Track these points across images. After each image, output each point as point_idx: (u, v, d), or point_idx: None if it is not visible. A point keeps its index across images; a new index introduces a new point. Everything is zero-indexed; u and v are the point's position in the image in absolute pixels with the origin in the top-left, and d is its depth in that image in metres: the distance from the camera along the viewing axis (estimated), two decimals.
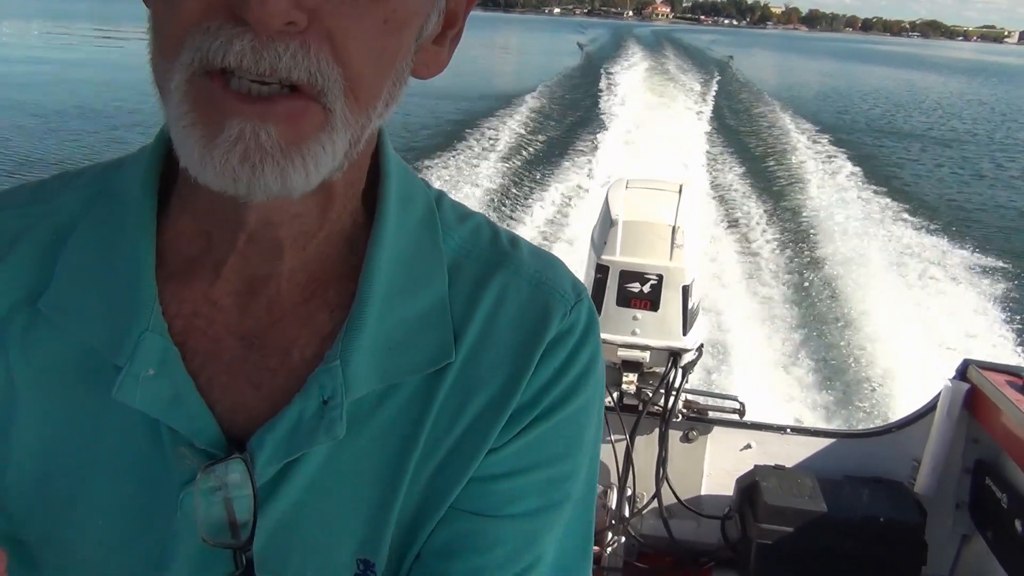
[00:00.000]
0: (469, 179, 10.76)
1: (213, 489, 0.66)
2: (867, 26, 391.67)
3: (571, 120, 17.00)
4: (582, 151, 13.39)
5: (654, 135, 14.57)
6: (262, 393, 0.68)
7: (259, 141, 0.56)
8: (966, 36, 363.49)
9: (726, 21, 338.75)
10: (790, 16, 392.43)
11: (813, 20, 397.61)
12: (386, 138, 0.73)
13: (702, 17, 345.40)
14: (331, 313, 0.70)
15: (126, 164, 0.74)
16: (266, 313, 0.69)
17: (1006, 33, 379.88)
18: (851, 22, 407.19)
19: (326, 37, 0.56)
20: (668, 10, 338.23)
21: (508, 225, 8.68)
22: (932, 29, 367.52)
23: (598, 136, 14.45)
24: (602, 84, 22.18)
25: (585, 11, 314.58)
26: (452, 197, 0.81)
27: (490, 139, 13.78)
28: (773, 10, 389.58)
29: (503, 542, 0.70)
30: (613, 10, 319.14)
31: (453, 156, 12.19)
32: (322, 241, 0.70)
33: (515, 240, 0.78)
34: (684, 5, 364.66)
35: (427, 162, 11.50)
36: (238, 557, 0.67)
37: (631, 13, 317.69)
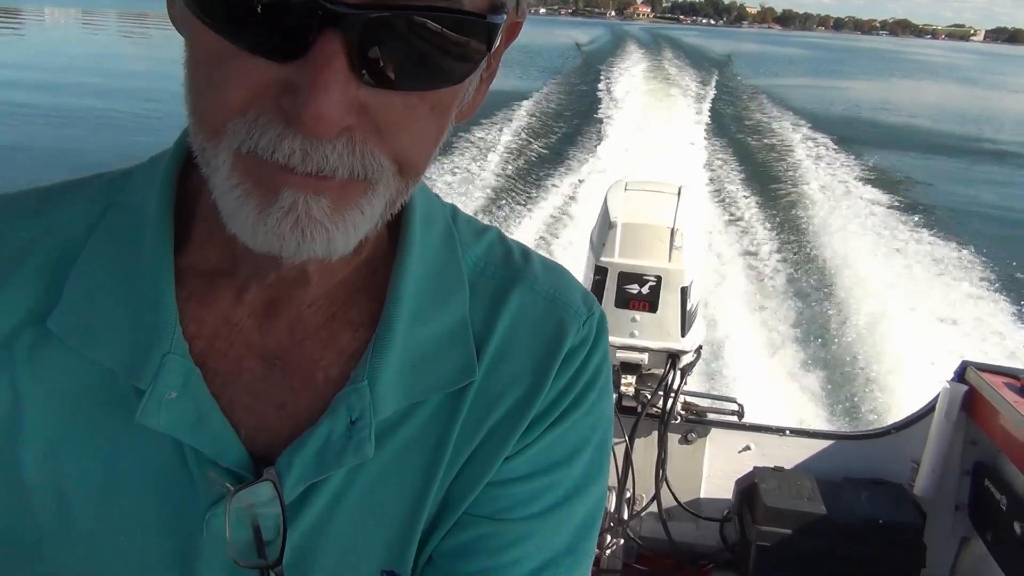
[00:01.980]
0: (468, 181, 10.58)
1: (241, 511, 0.65)
2: (839, 25, 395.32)
3: (570, 121, 16.79)
4: (581, 152, 13.25)
5: (653, 136, 14.47)
6: (286, 413, 0.67)
7: (311, 212, 0.55)
8: (934, 35, 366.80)
9: (704, 20, 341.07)
10: (765, 16, 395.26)
11: (787, 19, 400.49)
12: None
13: (681, 17, 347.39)
14: (355, 332, 0.69)
15: (136, 176, 0.71)
16: (288, 334, 0.68)
17: (972, 32, 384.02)
18: (823, 21, 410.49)
19: (374, 131, 0.55)
20: (648, 10, 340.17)
21: (507, 226, 8.59)
22: (902, 28, 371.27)
23: (597, 137, 14.32)
24: (601, 86, 21.95)
25: (570, 11, 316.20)
26: (460, 206, 0.79)
27: (490, 140, 13.59)
28: (749, 10, 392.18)
29: (515, 544, 0.70)
30: (596, 10, 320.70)
31: (453, 156, 12.03)
32: (345, 267, 0.69)
33: (527, 254, 0.78)
34: (664, 5, 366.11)
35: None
36: (266, 575, 0.67)
37: (613, 13, 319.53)
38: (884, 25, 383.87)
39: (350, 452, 0.66)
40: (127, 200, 0.70)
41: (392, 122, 0.56)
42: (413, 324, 0.69)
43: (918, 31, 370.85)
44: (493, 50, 0.58)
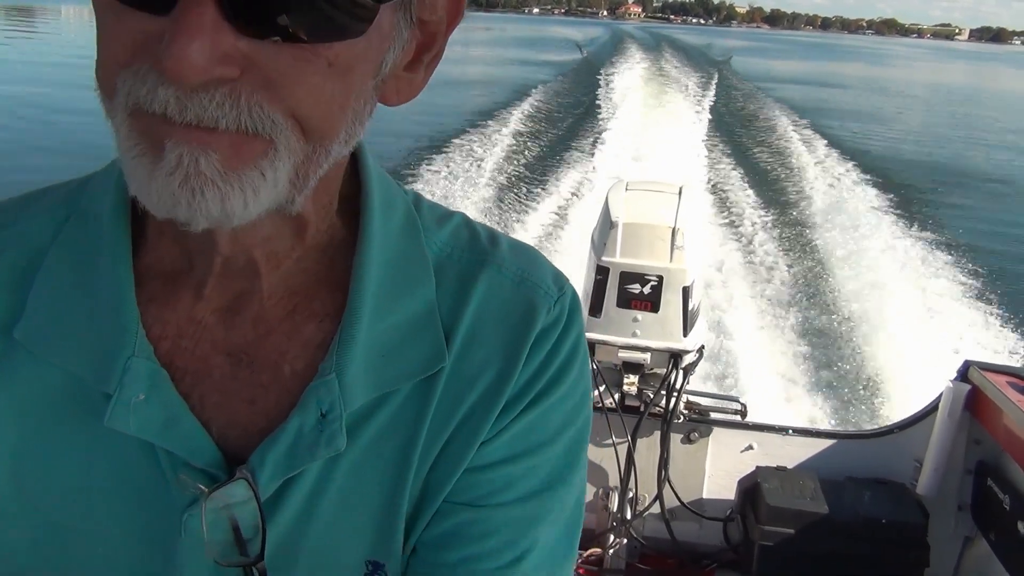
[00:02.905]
0: (469, 181, 10.48)
1: (218, 510, 0.64)
2: (826, 24, 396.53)
3: (570, 122, 16.62)
4: (582, 153, 13.11)
5: (654, 136, 14.34)
6: (256, 409, 0.66)
7: (199, 167, 0.52)
8: (920, 34, 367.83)
9: (694, 20, 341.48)
10: (753, 15, 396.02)
11: (775, 19, 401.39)
12: (365, 149, 0.71)
13: (672, 16, 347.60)
14: (319, 324, 0.68)
15: (93, 183, 0.71)
16: (252, 329, 0.67)
17: (957, 31, 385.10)
18: (811, 20, 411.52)
19: (263, 85, 0.53)
20: (640, 10, 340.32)
21: (509, 228, 8.52)
22: (888, 27, 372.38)
23: (598, 138, 14.14)
24: (600, 85, 21.71)
25: (563, 11, 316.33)
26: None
27: (489, 141, 13.46)
28: (738, 9, 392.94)
29: (497, 531, 0.69)
30: (589, 10, 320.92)
31: (453, 157, 11.93)
32: (299, 258, 0.67)
33: (494, 237, 0.76)
34: (655, 5, 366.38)
35: (426, 164, 11.23)
36: (248, 572, 0.66)
37: (605, 12, 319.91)
38: (871, 24, 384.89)
39: (322, 445, 0.65)
40: (87, 206, 0.69)
41: (283, 76, 0.53)
42: (378, 313, 0.67)
43: (904, 30, 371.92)
44: (389, 4, 0.55)
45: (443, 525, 0.70)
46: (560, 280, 0.75)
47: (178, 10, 0.49)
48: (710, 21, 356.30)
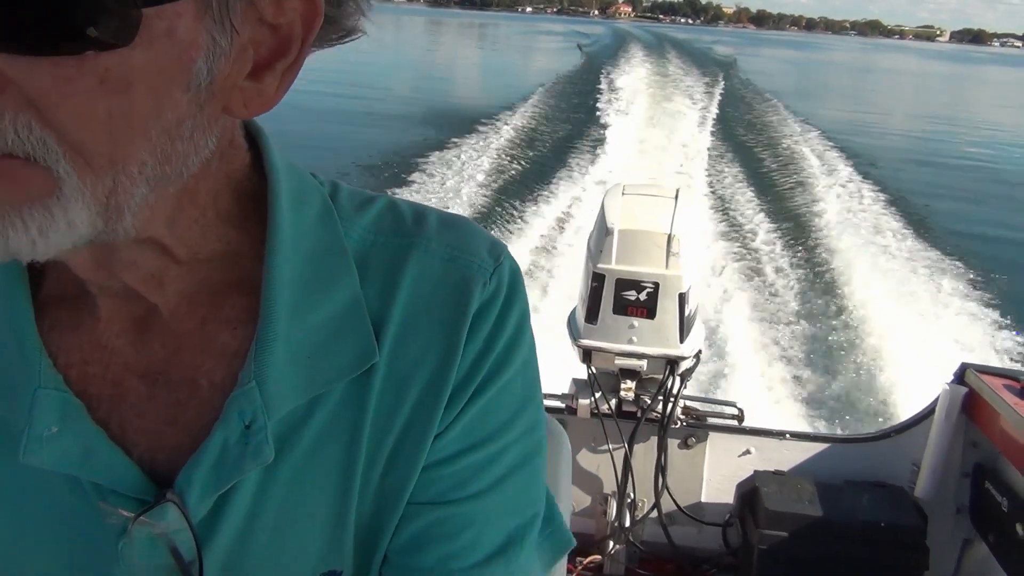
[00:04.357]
0: (467, 183, 10.34)
1: (150, 536, 0.61)
2: (811, 25, 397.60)
3: (571, 124, 16.35)
4: (582, 155, 12.92)
5: (656, 140, 14.20)
6: (178, 428, 0.63)
7: None
8: (902, 35, 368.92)
9: (682, 20, 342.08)
10: (740, 15, 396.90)
11: (761, 19, 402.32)
12: (268, 142, 0.66)
13: (661, 16, 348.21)
14: (233, 331, 0.63)
15: None
16: (160, 346, 0.63)
17: (939, 32, 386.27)
18: (796, 21, 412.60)
19: (27, 104, 0.46)
20: (630, 9, 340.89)
21: (508, 229, 8.42)
22: (871, 28, 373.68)
23: (598, 141, 13.96)
24: (602, 87, 21.34)
25: (555, 9, 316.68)
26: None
27: (488, 141, 13.32)
28: (725, 10, 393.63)
29: (468, 525, 0.66)
30: (580, 9, 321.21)
31: (453, 156, 11.80)
32: (187, 271, 0.62)
33: (421, 215, 0.70)
34: (644, 5, 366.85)
35: (424, 165, 11.11)
36: None
37: (597, 12, 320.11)
38: (854, 25, 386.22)
39: (248, 458, 0.61)
40: None
41: (45, 94, 0.46)
42: (296, 314, 0.62)
43: (887, 32, 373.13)
44: (176, 8, 0.48)
45: (411, 528, 0.67)
46: (496, 250, 0.69)
47: None
48: (698, 21, 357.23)
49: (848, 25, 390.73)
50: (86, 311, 0.63)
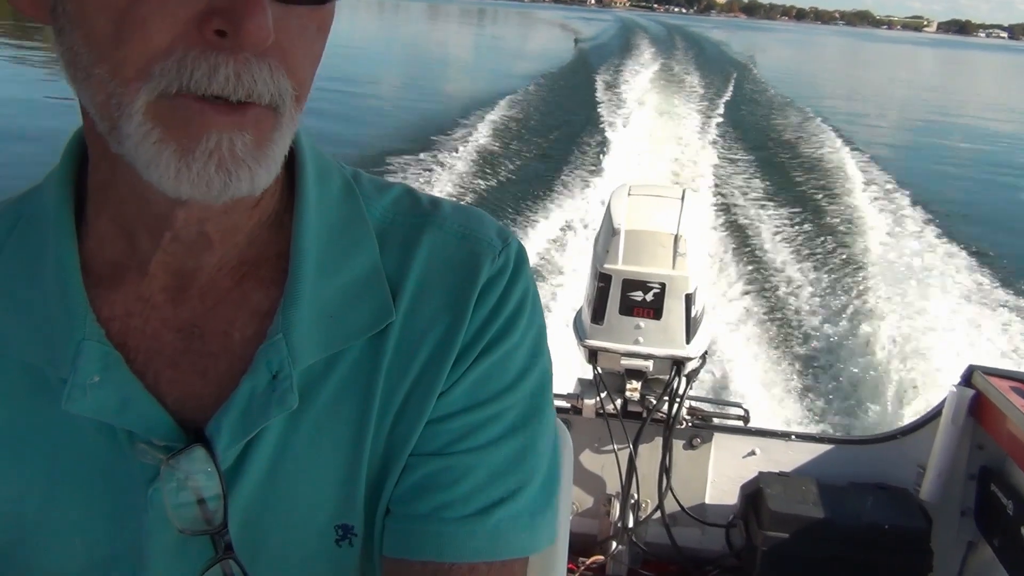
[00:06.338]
0: (468, 183, 10.14)
1: (180, 480, 0.64)
2: (800, 15, 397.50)
3: (572, 124, 15.82)
4: (584, 155, 12.62)
5: (663, 138, 13.93)
6: (208, 379, 0.66)
7: (234, 150, 0.54)
8: (890, 25, 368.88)
9: (676, 9, 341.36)
10: (732, 5, 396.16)
11: (752, 8, 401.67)
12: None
13: (655, 5, 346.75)
14: (266, 292, 0.68)
15: (36, 191, 0.72)
16: (200, 302, 0.67)
17: (926, 22, 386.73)
18: (787, 11, 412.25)
19: (280, 54, 0.54)
20: None
21: (516, 229, 8.28)
22: (859, 18, 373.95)
23: (603, 140, 13.56)
24: (606, 84, 20.59)
25: None
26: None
27: (486, 143, 13.05)
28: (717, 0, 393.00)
29: (465, 477, 0.68)
30: None
31: (451, 157, 11.59)
32: (252, 228, 0.67)
33: (436, 201, 0.76)
34: None
35: (422, 165, 10.86)
36: (216, 541, 0.66)
37: (593, 1, 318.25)
38: (843, 16, 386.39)
39: (274, 405, 0.64)
40: (34, 209, 0.70)
41: (292, 43, 0.55)
42: (322, 275, 0.67)
43: (876, 22, 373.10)
44: None
45: (412, 478, 0.69)
46: (504, 233, 0.75)
47: None
48: (691, 10, 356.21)
49: (838, 16, 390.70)
50: (129, 268, 0.66)
